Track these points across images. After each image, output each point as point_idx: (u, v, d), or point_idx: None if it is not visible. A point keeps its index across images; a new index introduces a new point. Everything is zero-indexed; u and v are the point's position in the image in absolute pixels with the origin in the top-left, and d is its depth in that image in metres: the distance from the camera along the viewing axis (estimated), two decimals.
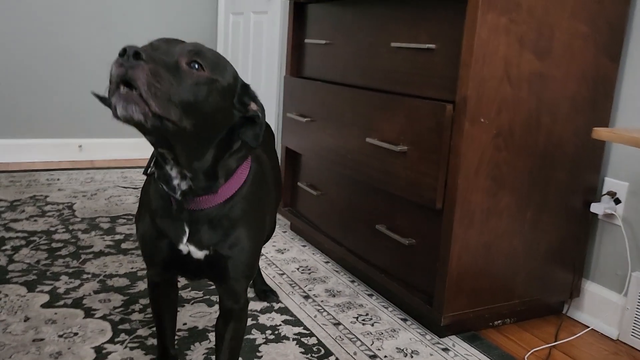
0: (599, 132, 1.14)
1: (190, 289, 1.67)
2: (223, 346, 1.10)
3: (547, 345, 1.51)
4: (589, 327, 1.62)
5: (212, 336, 1.41)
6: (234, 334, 1.09)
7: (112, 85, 0.76)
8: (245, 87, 0.95)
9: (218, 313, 1.14)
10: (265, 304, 1.61)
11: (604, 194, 1.60)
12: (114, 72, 0.74)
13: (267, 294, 1.64)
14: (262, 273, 1.84)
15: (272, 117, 2.82)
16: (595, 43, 1.47)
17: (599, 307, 1.63)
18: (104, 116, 3.35)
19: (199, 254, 0.99)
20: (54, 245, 1.94)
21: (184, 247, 0.99)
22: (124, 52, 0.74)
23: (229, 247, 1.00)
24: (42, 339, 1.33)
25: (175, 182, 0.93)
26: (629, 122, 1.55)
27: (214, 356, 1.16)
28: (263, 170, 1.09)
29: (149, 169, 0.98)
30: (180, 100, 0.79)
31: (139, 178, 2.97)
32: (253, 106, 0.94)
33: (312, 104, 1.97)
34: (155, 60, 0.76)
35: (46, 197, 2.51)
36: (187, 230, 0.98)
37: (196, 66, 0.82)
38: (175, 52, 0.83)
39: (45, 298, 1.54)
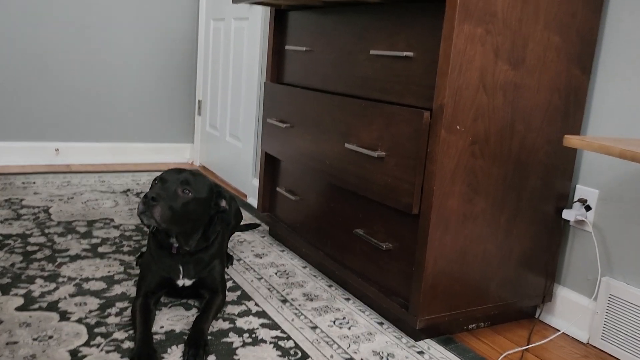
0: (570, 140, 1.18)
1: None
2: (207, 305, 1.50)
3: (520, 349, 1.54)
4: (560, 330, 1.66)
5: None
6: (216, 300, 1.52)
7: (139, 210, 1.35)
8: (218, 192, 1.50)
9: (195, 316, 1.50)
10: (242, 307, 1.61)
11: (575, 201, 1.64)
12: (141, 207, 1.33)
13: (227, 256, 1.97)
14: (240, 277, 1.84)
15: (252, 123, 2.83)
16: (567, 54, 1.52)
17: (570, 311, 1.66)
18: (81, 120, 3.35)
19: (189, 282, 1.54)
20: (29, 248, 1.92)
21: (180, 281, 1.53)
22: (145, 197, 1.34)
23: (208, 272, 1.56)
24: (15, 342, 1.32)
25: (175, 245, 1.49)
26: (599, 132, 1.60)
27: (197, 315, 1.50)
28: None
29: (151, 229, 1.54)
30: (176, 217, 1.39)
31: (117, 182, 2.95)
32: (223, 202, 1.51)
33: (292, 110, 1.99)
34: (162, 197, 1.35)
35: (22, 200, 2.48)
36: (181, 269, 1.52)
37: (186, 191, 1.40)
38: (174, 183, 1.39)
39: (20, 301, 1.53)
